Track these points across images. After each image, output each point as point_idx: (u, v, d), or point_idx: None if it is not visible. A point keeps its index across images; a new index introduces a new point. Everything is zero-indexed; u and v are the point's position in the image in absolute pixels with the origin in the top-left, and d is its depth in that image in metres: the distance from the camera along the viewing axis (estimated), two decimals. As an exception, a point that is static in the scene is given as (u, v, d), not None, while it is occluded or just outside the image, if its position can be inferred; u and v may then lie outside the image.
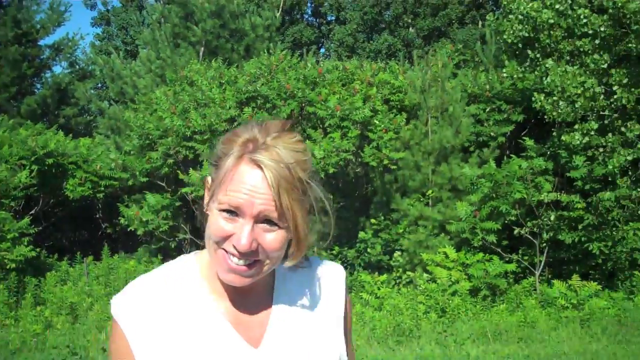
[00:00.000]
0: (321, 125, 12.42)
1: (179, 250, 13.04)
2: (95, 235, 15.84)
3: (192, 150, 11.90)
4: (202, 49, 16.53)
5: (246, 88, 12.26)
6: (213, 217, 1.43)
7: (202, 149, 11.73)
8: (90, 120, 23.43)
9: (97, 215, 15.41)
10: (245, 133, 1.43)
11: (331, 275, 1.64)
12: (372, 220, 12.54)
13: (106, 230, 15.34)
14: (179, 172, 11.81)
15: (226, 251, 1.42)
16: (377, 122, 12.22)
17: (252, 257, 1.41)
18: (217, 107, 11.99)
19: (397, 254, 11.84)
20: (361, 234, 12.51)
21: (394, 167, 12.14)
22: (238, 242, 1.38)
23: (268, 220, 1.39)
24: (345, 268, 12.61)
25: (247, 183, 1.37)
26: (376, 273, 11.91)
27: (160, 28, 17.00)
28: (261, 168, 1.37)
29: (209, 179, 1.50)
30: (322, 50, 35.02)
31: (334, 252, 12.51)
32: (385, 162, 11.96)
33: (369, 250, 12.36)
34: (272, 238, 1.40)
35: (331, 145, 11.51)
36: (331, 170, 11.43)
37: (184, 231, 12.54)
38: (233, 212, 1.39)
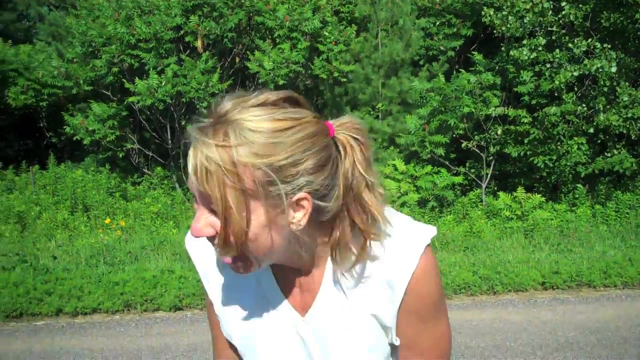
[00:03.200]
0: (270, 36, 12.21)
1: (126, 160, 12.88)
2: (40, 145, 15.52)
3: (137, 59, 11.59)
4: (146, -47, 15.85)
5: (192, -5, 11.89)
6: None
7: (147, 57, 11.43)
8: (29, 26, 22.44)
9: (41, 124, 15.04)
10: (221, 103, 1.21)
11: (405, 242, 1.32)
12: (322, 133, 12.54)
13: (51, 139, 15.01)
14: (124, 80, 11.52)
15: None
16: (327, 33, 12.07)
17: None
18: (162, 15, 11.62)
19: (346, 165, 11.90)
20: (311, 146, 12.52)
21: (344, 79, 12.09)
22: (191, 228, 1.23)
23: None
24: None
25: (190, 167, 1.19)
26: (325, 184, 11.99)
27: None
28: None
29: None
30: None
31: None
32: (336, 74, 11.89)
33: (318, 162, 12.39)
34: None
35: (280, 57, 11.36)
36: (281, 82, 11.32)
37: (131, 141, 12.34)
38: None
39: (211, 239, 1.23)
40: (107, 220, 9.90)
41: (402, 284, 1.31)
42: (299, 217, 1.23)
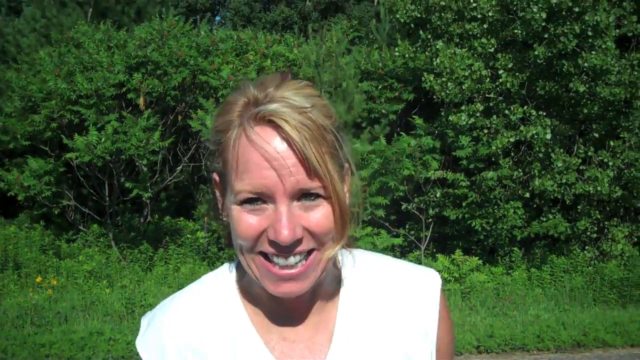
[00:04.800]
0: (214, 95, 12.24)
1: (62, 216, 12.59)
2: (-28, 200, 15.08)
3: (77, 115, 11.46)
4: (91, 10, 15.90)
5: (136, 53, 11.88)
6: (234, 217, 1.09)
7: (88, 114, 11.32)
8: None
9: (-26, 179, 14.64)
10: (241, 96, 1.10)
11: (420, 287, 1.26)
12: (263, 192, 12.49)
13: (-16, 195, 14.61)
14: (63, 136, 11.35)
15: (266, 256, 1.10)
16: (270, 94, 12.15)
17: (301, 249, 1.09)
18: (104, 72, 11.57)
19: (286, 226, 11.85)
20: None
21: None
22: (278, 234, 1.05)
23: (306, 194, 1.07)
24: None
25: (264, 152, 1.04)
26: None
27: (47, -15, 16.19)
28: (274, 123, 1.04)
29: (216, 176, 1.17)
30: (217, 18, 34.47)
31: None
32: (278, 135, 11.92)
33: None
34: (320, 214, 1.08)
35: (224, 116, 11.37)
36: (223, 141, 11.30)
37: (67, 197, 12.09)
38: (256, 199, 1.07)
39: (294, 245, 1.08)
40: (39, 279, 9.61)
41: (434, 311, 1.25)
42: (345, 192, 1.15)
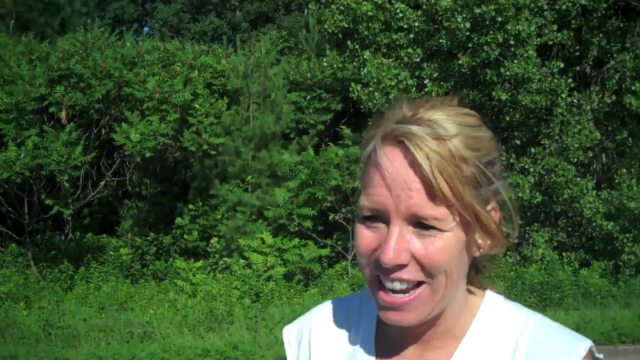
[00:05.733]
0: (139, 108, 12.01)
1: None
2: None
3: (-4, 131, 11.09)
4: (12, 21, 15.44)
5: (58, 65, 11.59)
6: (356, 232, 1.09)
7: (7, 129, 10.96)
8: None
9: None
10: (392, 113, 1.08)
11: (554, 353, 1.06)
12: (190, 206, 12.34)
13: None
14: (-19, 153, 10.95)
15: (380, 281, 1.07)
16: (197, 106, 12.01)
17: (405, 277, 1.03)
18: (25, 85, 11.23)
19: (214, 240, 11.74)
20: (178, 220, 12.27)
21: (214, 152, 11.99)
22: (383, 254, 1.01)
23: (422, 224, 1.01)
24: (161, 255, 12.40)
25: (387, 171, 1.01)
26: (192, 259, 11.71)
27: (-35, -4, 15.70)
28: (404, 144, 1.01)
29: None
30: (146, 29, 34.01)
31: (149, 238, 12.17)
32: (205, 147, 11.79)
33: (185, 236, 12.16)
34: (433, 245, 1.01)
35: (149, 129, 11.17)
36: (148, 155, 11.10)
37: (-15, 216, 11.69)
38: (375, 217, 1.05)
39: (396, 269, 1.03)
40: (-48, 303, 9.22)
41: None
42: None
